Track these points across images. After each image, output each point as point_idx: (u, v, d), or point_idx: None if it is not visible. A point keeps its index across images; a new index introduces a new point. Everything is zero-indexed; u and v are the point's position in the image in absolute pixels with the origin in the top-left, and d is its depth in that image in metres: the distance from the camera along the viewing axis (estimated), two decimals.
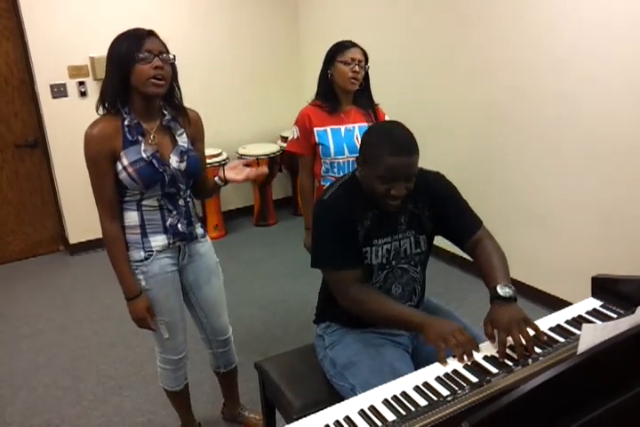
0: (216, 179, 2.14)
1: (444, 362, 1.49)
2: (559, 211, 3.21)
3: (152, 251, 2.00)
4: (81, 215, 4.33)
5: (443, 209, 1.87)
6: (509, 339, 1.50)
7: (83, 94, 4.18)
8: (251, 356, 2.94)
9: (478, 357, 1.51)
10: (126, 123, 1.87)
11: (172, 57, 1.87)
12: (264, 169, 2.16)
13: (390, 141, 1.66)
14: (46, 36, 3.97)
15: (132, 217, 1.97)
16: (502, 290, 1.64)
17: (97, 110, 1.93)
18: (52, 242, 4.55)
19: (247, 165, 2.18)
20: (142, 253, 1.99)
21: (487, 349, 1.54)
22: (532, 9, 3.07)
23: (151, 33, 1.86)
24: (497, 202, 3.58)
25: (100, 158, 1.86)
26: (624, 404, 1.14)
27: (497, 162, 3.52)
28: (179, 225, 2.02)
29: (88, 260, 4.39)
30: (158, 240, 2.00)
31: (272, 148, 4.79)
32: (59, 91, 4.11)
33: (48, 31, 3.97)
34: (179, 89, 1.97)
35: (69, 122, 4.14)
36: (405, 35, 3.93)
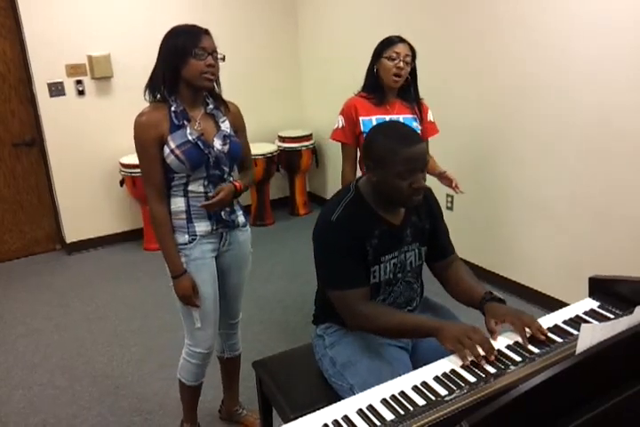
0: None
1: (465, 359, 1.49)
2: (557, 211, 3.21)
3: (196, 235, 2.09)
4: (77, 214, 4.31)
5: (434, 224, 1.94)
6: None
7: (80, 93, 4.16)
8: (248, 355, 2.93)
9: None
10: (173, 109, 1.99)
11: (221, 56, 2.00)
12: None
13: (397, 136, 1.69)
14: (44, 34, 3.96)
15: (179, 203, 2.07)
16: (497, 294, 1.77)
17: (144, 96, 2.04)
18: (48, 241, 4.53)
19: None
20: (187, 237, 2.08)
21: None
22: (533, 9, 3.08)
23: (207, 32, 1.99)
24: (493, 203, 3.59)
25: (148, 144, 1.97)
26: (622, 404, 1.14)
27: (494, 161, 3.52)
28: (222, 213, 2.11)
29: (84, 259, 4.37)
30: (202, 226, 2.09)
31: (269, 147, 4.79)
32: (56, 89, 4.09)
33: (46, 29, 3.96)
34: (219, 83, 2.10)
35: (67, 121, 4.14)
36: (404, 36, 3.92)
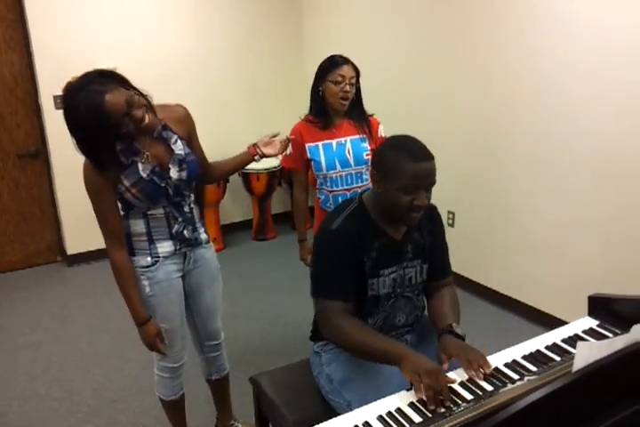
0: (256, 157, 2.21)
1: (418, 392, 1.44)
2: (557, 231, 3.22)
3: (159, 257, 2.02)
4: (79, 226, 4.32)
5: (434, 242, 1.93)
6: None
7: None
8: (246, 370, 2.93)
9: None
10: (118, 148, 1.86)
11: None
12: (286, 138, 2.29)
13: (408, 150, 1.68)
14: (51, 47, 4.01)
15: (138, 224, 1.99)
16: (459, 329, 1.75)
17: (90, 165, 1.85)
18: (49, 252, 4.55)
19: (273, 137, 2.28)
20: (149, 260, 2.00)
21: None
22: (534, 31, 3.11)
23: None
24: (494, 222, 3.59)
25: (102, 190, 1.87)
26: (619, 423, 1.14)
27: (495, 181, 3.53)
28: (184, 232, 2.05)
29: (85, 271, 4.38)
30: (165, 246, 2.03)
31: (272, 162, 4.80)
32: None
33: (53, 42, 4.01)
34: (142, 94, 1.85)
35: None
36: (407, 46, 3.97)
